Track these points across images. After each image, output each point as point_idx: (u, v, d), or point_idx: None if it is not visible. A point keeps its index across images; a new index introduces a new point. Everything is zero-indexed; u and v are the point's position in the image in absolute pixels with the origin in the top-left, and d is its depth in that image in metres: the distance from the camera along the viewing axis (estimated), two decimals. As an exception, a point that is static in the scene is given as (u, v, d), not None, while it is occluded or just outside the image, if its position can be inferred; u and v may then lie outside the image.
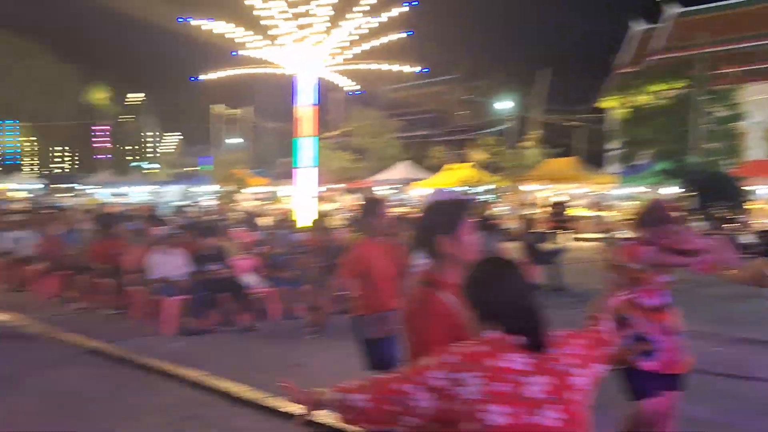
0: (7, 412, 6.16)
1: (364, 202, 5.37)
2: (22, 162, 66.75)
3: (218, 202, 30.10)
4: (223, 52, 20.79)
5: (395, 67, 20.55)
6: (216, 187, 39.07)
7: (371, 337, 4.77)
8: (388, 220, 5.01)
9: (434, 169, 37.22)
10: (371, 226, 5.01)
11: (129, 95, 78.18)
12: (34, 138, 67.08)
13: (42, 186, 48.50)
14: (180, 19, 19.13)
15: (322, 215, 15.82)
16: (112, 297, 10.41)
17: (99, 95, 61.26)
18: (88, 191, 46.30)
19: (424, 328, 2.52)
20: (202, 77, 21.76)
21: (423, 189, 32.80)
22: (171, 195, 42.95)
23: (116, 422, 5.92)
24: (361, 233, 5.29)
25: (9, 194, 38.07)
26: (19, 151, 66.66)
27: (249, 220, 17.57)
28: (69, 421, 5.97)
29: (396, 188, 36.20)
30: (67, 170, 72.27)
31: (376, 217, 4.99)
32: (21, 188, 44.71)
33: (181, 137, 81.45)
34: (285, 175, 41.33)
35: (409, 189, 34.53)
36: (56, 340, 8.88)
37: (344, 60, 20.69)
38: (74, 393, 6.79)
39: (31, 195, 39.83)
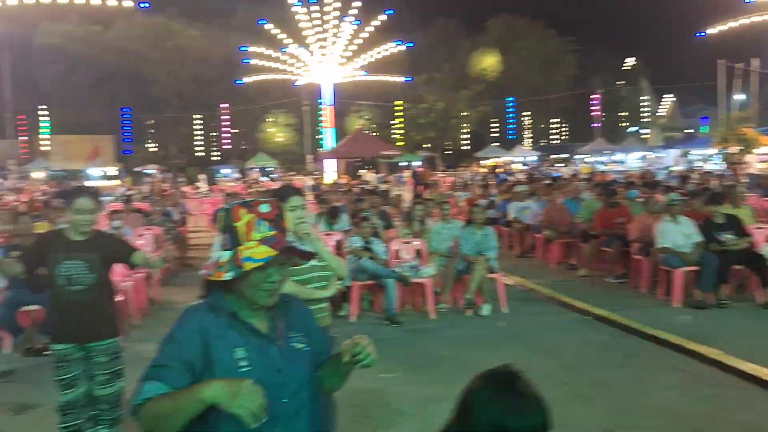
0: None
1: None
2: (520, 136, 71.85)
3: (726, 166, 27.78)
4: (727, 4, 19.30)
5: None
6: (715, 150, 36.20)
7: None
8: None
9: None
10: None
11: (626, 60, 77.36)
12: (529, 112, 71.35)
13: (535, 157, 51.51)
14: None
15: None
16: (616, 265, 10.38)
17: (489, 61, 61.00)
18: (581, 160, 47.68)
19: None
20: (708, 31, 20.67)
21: None
22: (667, 160, 41.45)
23: (629, 394, 5.79)
24: None
25: (513, 167, 41.31)
26: (515, 126, 72.09)
27: (764, 184, 15.68)
28: (580, 386, 6.01)
29: None
30: (558, 141, 75.39)
31: None
32: (517, 160, 48.32)
33: (674, 99, 77.66)
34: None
35: None
36: (562, 304, 9.22)
37: None
38: (580, 357, 6.91)
39: (526, 167, 42.61)
